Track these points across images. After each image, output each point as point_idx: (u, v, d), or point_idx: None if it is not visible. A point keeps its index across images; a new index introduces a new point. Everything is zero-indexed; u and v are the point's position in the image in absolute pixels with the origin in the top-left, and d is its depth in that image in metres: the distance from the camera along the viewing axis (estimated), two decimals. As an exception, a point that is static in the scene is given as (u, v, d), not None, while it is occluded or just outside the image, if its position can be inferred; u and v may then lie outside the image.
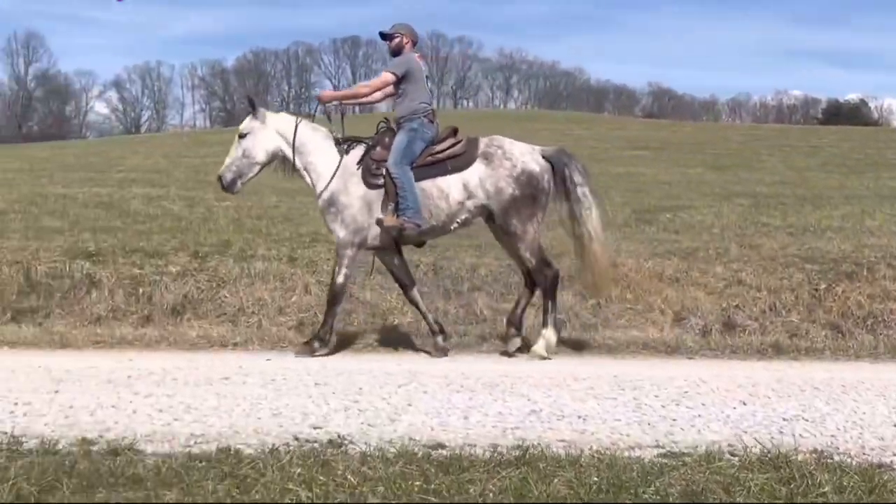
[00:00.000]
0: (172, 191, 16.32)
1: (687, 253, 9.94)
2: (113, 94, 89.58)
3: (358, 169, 7.40)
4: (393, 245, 7.53)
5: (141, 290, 9.32)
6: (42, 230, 11.41)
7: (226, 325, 8.79)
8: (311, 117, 7.75)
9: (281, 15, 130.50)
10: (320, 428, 4.80)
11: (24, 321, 8.89)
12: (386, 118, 7.74)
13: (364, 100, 8.17)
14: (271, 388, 5.81)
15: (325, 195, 7.41)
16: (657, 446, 4.54)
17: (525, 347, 7.42)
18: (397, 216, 7.20)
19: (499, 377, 6.25)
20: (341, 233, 7.40)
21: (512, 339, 7.43)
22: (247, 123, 7.61)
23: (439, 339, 7.51)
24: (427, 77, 7.62)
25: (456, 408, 5.29)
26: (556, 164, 7.37)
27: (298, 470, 3.85)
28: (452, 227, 7.48)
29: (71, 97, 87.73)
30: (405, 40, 7.66)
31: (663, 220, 12.43)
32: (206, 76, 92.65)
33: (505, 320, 7.73)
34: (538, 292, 7.45)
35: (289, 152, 7.53)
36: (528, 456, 4.17)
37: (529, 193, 7.20)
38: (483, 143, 7.40)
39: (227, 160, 7.59)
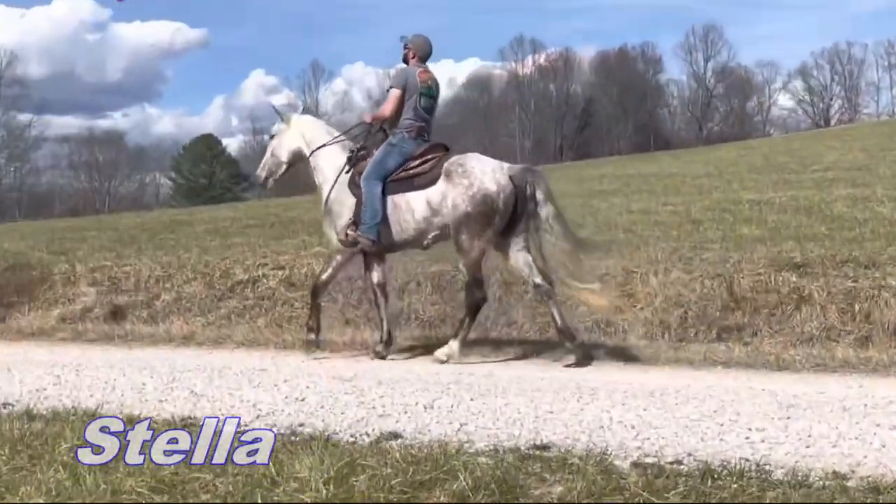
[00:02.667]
0: (878, 190, 15.93)
1: None
2: (798, 84, 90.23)
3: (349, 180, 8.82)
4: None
5: (857, 307, 9.24)
6: (740, 239, 11.93)
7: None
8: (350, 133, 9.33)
9: None
10: None
11: (730, 339, 9.37)
12: (383, 129, 9.01)
13: (392, 118, 8.93)
14: None
15: (327, 202, 8.96)
16: None
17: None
18: (355, 229, 8.59)
19: None
20: (335, 239, 8.96)
21: (575, 350, 8.27)
22: (275, 127, 9.58)
23: (381, 346, 8.92)
24: (422, 94, 8.75)
25: None
26: (519, 184, 8.27)
27: None
28: (425, 243, 8.69)
29: (752, 92, 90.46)
30: (411, 54, 8.99)
31: None
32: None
33: (559, 338, 8.51)
34: (552, 294, 8.41)
35: (307, 152, 9.20)
36: None
37: (482, 211, 8.18)
38: (449, 161, 8.46)
39: (262, 160, 9.62)
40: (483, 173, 8.32)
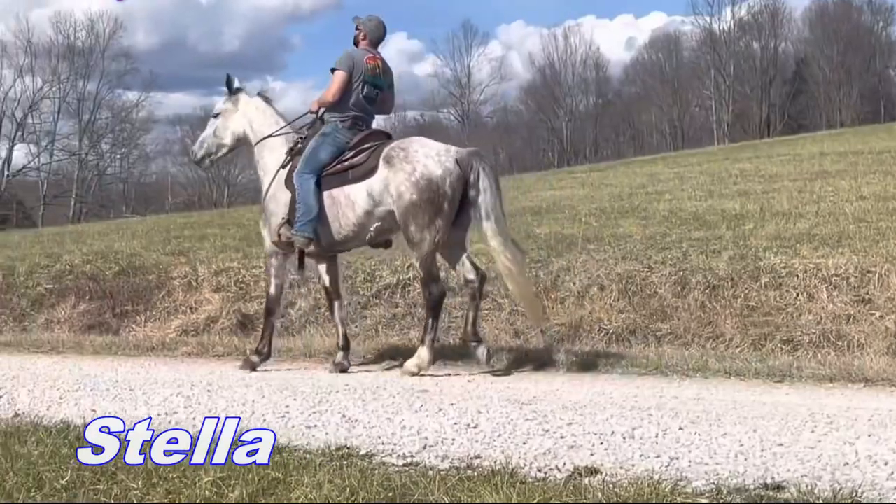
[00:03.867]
0: None
1: None
2: None
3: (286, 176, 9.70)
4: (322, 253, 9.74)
5: None
6: None
7: None
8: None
9: None
10: None
11: None
12: (322, 119, 9.79)
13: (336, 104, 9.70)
14: None
15: (264, 199, 9.90)
16: None
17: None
18: (289, 228, 9.42)
19: None
20: (267, 241, 9.89)
21: (476, 350, 9.20)
22: (220, 104, 10.47)
23: (340, 354, 9.80)
24: (367, 82, 9.59)
25: None
26: (465, 169, 8.99)
27: None
28: (367, 237, 9.46)
29: None
30: (361, 35, 9.88)
31: None
32: None
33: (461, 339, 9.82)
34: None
35: (252, 140, 10.14)
36: None
37: (428, 198, 8.88)
38: (388, 147, 9.20)
39: (201, 136, 10.66)
40: (427, 157, 9.03)
